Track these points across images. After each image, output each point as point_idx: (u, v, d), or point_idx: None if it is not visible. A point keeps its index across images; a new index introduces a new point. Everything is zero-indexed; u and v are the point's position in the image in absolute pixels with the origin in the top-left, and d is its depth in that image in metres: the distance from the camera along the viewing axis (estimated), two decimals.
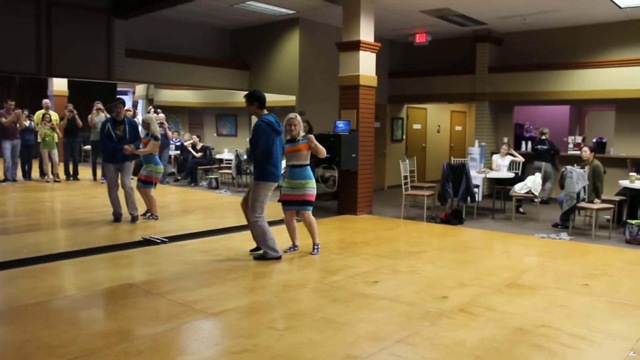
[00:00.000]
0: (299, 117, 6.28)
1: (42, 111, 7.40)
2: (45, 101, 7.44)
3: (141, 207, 7.63)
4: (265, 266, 5.81)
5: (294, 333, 3.96)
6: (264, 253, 6.05)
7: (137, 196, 7.52)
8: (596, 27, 11.04)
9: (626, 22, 10.66)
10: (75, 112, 7.67)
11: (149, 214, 7.62)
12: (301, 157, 6.17)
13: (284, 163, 6.25)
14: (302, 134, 6.22)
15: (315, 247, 6.41)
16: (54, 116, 7.47)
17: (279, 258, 6.02)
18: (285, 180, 6.28)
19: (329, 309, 4.45)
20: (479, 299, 4.78)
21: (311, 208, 6.33)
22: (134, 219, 7.45)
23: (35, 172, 7.64)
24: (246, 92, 6.00)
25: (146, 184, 7.53)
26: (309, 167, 6.26)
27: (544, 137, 10.99)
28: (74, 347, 3.56)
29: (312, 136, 6.23)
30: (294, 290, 4.99)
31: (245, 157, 9.42)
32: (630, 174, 8.22)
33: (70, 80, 7.98)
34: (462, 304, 4.62)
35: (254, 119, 6.00)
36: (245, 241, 6.81)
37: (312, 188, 6.25)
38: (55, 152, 7.59)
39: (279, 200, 6.64)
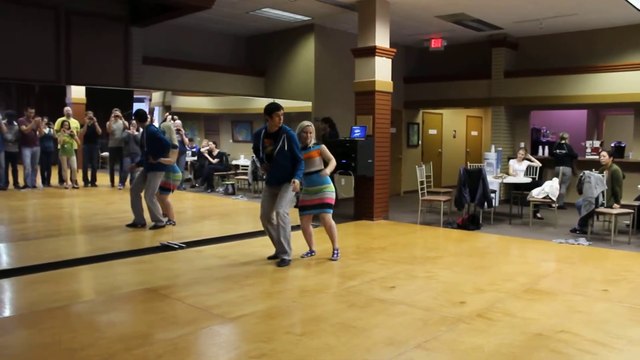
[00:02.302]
0: (312, 126, 6.32)
1: (62, 118, 7.50)
2: (67, 109, 7.54)
3: None
4: (283, 272, 5.82)
5: (312, 338, 3.97)
6: (284, 257, 6.05)
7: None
8: (613, 31, 10.94)
9: None
10: (95, 119, 7.77)
11: (166, 220, 7.67)
12: (315, 164, 6.20)
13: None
14: (313, 140, 6.25)
15: (335, 252, 6.39)
16: (74, 123, 7.57)
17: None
18: (303, 189, 6.26)
19: (347, 314, 4.45)
20: (496, 304, 4.75)
21: (331, 211, 6.31)
22: (154, 227, 7.51)
23: (54, 179, 7.73)
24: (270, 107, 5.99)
25: (163, 190, 7.59)
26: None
27: (563, 142, 10.91)
28: (93, 351, 3.60)
29: (324, 145, 6.31)
30: (311, 295, 5.00)
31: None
32: None
33: (88, 87, 8.08)
34: (480, 309, 4.60)
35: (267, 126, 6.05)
36: (262, 247, 6.83)
37: (330, 192, 6.25)
38: (74, 159, 7.68)
39: (296, 206, 6.63)
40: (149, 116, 7.59)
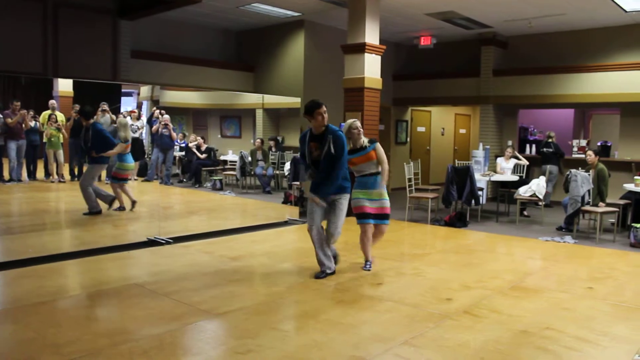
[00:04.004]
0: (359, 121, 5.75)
1: (48, 112, 7.43)
2: (52, 102, 7.47)
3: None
4: (269, 268, 5.82)
5: (299, 334, 3.98)
6: (326, 270, 5.46)
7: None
8: (601, 31, 11.02)
9: (631, 26, 10.64)
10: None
11: (120, 207, 7.72)
12: (374, 165, 5.63)
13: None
14: (366, 138, 5.68)
15: (368, 262, 5.83)
16: (60, 117, 7.50)
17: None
18: (355, 191, 5.67)
19: (334, 310, 4.46)
20: (483, 301, 4.78)
21: (388, 222, 5.82)
22: (89, 212, 7.49)
23: (40, 173, 7.67)
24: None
25: (115, 179, 7.65)
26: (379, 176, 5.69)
27: (550, 140, 10.99)
28: (79, 346, 3.57)
29: (379, 144, 5.72)
30: (298, 291, 5.00)
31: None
32: (635, 177, 8.20)
33: (75, 81, 8.00)
34: (467, 306, 4.63)
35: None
36: (250, 243, 6.83)
37: (387, 200, 5.73)
38: (61, 153, 7.62)
39: (355, 214, 5.76)
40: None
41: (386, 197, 5.72)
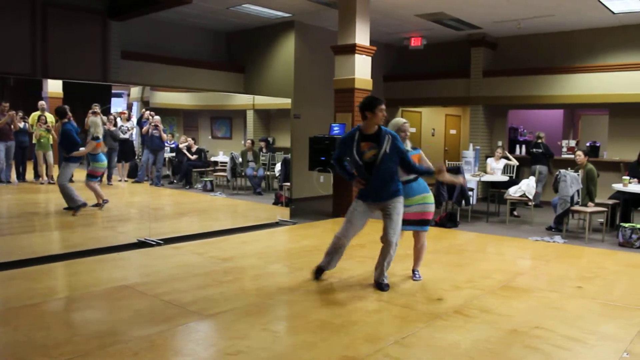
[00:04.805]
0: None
1: (37, 113, 7.38)
2: (41, 103, 7.43)
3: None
4: (260, 269, 5.81)
5: (289, 335, 3.98)
6: (385, 282, 5.12)
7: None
8: (590, 32, 11.11)
9: (619, 28, 10.73)
10: (70, 114, 7.65)
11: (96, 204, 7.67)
12: None
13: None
14: (410, 143, 5.35)
15: (417, 272, 5.54)
16: (50, 118, 7.46)
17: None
18: None
19: (325, 311, 4.46)
20: (473, 301, 4.80)
21: (428, 228, 5.40)
22: (69, 208, 7.45)
23: (29, 174, 7.61)
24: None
25: (89, 177, 7.59)
26: (421, 179, 5.34)
27: (539, 141, 11.06)
28: (69, 348, 3.55)
29: (422, 151, 5.41)
30: (289, 292, 4.99)
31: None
32: (624, 177, 8.27)
33: (65, 81, 7.96)
34: (457, 306, 4.64)
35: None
36: (240, 244, 6.82)
37: (431, 203, 5.29)
38: (50, 154, 7.58)
39: None
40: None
41: (430, 200, 5.28)
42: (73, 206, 7.37)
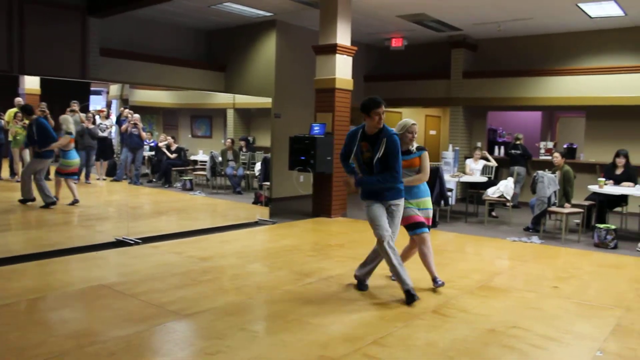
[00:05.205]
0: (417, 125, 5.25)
1: (14, 110, 7.27)
2: (18, 99, 7.31)
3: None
4: (240, 268, 5.79)
5: (268, 334, 3.97)
6: (412, 291, 4.75)
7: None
8: (568, 36, 11.27)
9: (596, 32, 10.90)
10: (47, 111, 7.55)
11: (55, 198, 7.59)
12: (414, 173, 5.13)
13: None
14: (416, 144, 5.18)
15: (437, 279, 5.21)
16: None
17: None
18: (406, 200, 5.05)
19: (303, 310, 4.46)
20: (451, 300, 4.84)
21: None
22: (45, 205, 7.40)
23: (5, 172, 7.50)
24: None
25: (67, 175, 7.55)
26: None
27: (518, 142, 11.18)
28: (44, 349, 3.50)
29: (427, 153, 5.20)
30: (268, 292, 4.99)
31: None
32: (599, 179, 8.39)
33: (43, 78, 7.85)
34: (435, 305, 4.67)
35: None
36: (219, 243, 6.78)
37: (431, 208, 5.26)
38: (27, 151, 7.47)
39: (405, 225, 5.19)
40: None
41: (430, 206, 5.25)
42: (26, 198, 7.30)
